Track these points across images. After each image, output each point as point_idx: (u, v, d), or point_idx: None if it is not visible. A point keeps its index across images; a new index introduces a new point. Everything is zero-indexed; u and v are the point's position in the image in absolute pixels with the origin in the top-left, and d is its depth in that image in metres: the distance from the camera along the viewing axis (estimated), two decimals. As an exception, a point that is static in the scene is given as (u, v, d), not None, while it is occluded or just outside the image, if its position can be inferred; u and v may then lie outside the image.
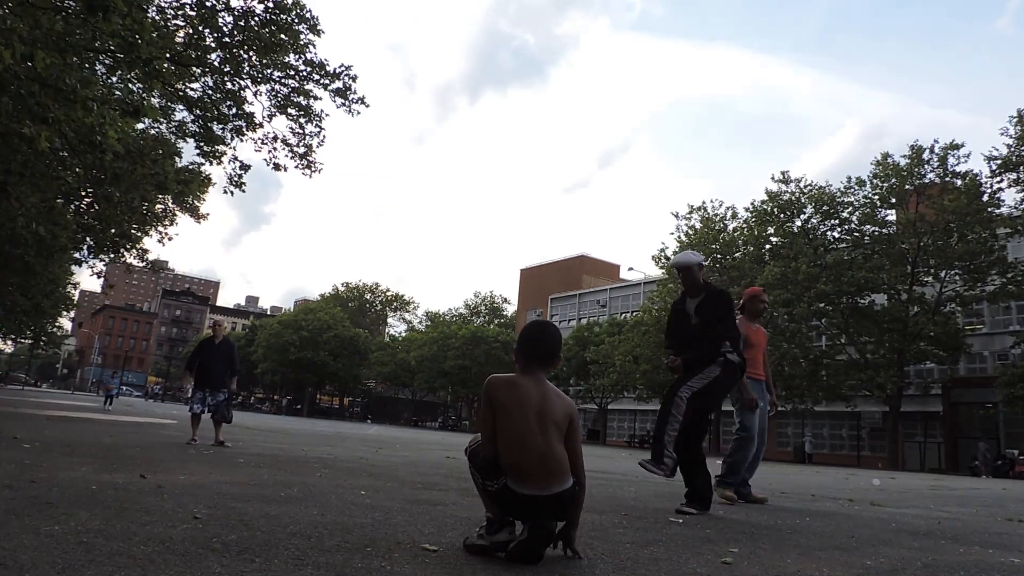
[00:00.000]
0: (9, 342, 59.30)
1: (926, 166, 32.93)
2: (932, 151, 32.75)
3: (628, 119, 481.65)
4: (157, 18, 11.66)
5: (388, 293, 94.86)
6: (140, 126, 15.09)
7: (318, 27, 13.00)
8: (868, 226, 35.31)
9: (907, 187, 33.27)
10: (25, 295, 30.22)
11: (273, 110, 14.05)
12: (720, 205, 39.67)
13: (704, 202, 40.69)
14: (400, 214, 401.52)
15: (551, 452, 2.49)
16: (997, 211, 31.18)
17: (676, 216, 40.55)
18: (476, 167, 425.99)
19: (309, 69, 13.48)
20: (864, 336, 34.68)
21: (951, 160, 32.43)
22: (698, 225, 39.54)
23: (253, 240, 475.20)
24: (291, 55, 13.21)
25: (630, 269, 56.43)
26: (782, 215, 36.57)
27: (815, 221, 36.25)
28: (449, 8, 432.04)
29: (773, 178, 36.69)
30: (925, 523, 4.92)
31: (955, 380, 36.13)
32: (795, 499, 6.03)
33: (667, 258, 40.38)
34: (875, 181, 34.23)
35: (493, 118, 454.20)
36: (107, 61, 11.56)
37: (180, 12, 12.42)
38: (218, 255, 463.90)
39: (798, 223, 36.43)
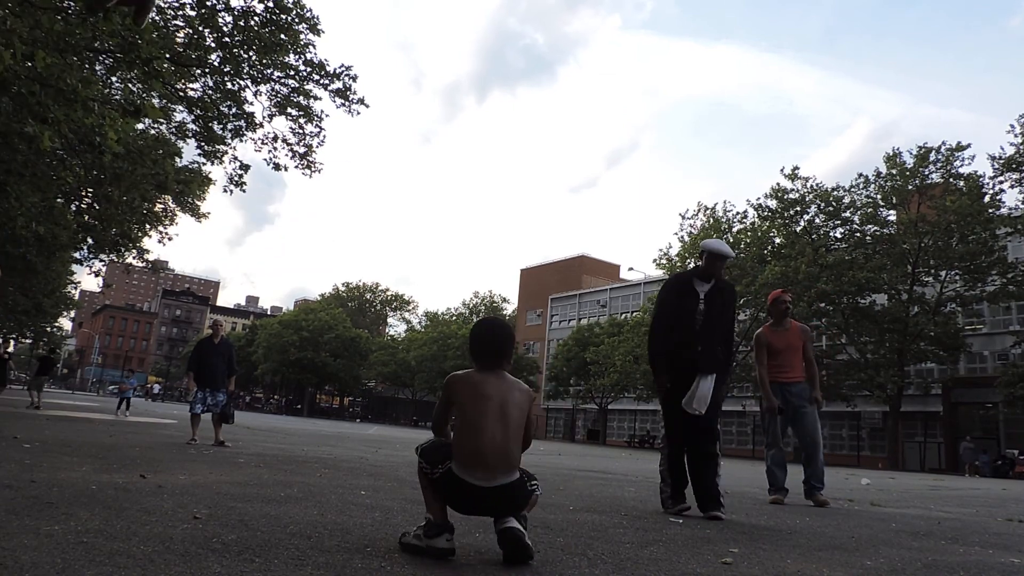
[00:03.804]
0: (10, 342, 59.21)
1: (931, 166, 32.98)
2: (938, 151, 32.80)
3: (634, 119, 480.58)
4: (157, 18, 11.66)
5: (388, 293, 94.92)
6: (140, 126, 15.10)
7: (318, 27, 13.00)
8: (869, 226, 35.32)
9: (910, 187, 33.30)
10: (26, 295, 30.25)
11: (273, 110, 14.06)
12: (731, 209, 39.60)
13: (716, 204, 40.46)
14: (404, 214, 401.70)
15: (506, 444, 2.52)
16: (998, 211, 31.22)
17: (683, 216, 40.49)
18: (482, 167, 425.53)
19: (309, 69, 13.49)
20: (864, 336, 34.69)
21: (956, 162, 32.48)
22: (699, 224, 39.48)
23: (257, 240, 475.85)
24: (291, 55, 13.21)
25: (630, 269, 56.45)
26: (785, 214, 36.53)
27: (818, 221, 36.21)
28: (458, 6, 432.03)
29: (782, 171, 36.41)
30: (925, 523, 4.92)
31: (955, 380, 36.10)
32: (795, 499, 6.03)
33: (669, 259, 40.31)
34: (880, 180, 34.26)
35: (501, 118, 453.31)
36: (107, 61, 11.58)
37: (180, 12, 12.42)
38: (222, 255, 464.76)
39: (802, 223, 36.40)
